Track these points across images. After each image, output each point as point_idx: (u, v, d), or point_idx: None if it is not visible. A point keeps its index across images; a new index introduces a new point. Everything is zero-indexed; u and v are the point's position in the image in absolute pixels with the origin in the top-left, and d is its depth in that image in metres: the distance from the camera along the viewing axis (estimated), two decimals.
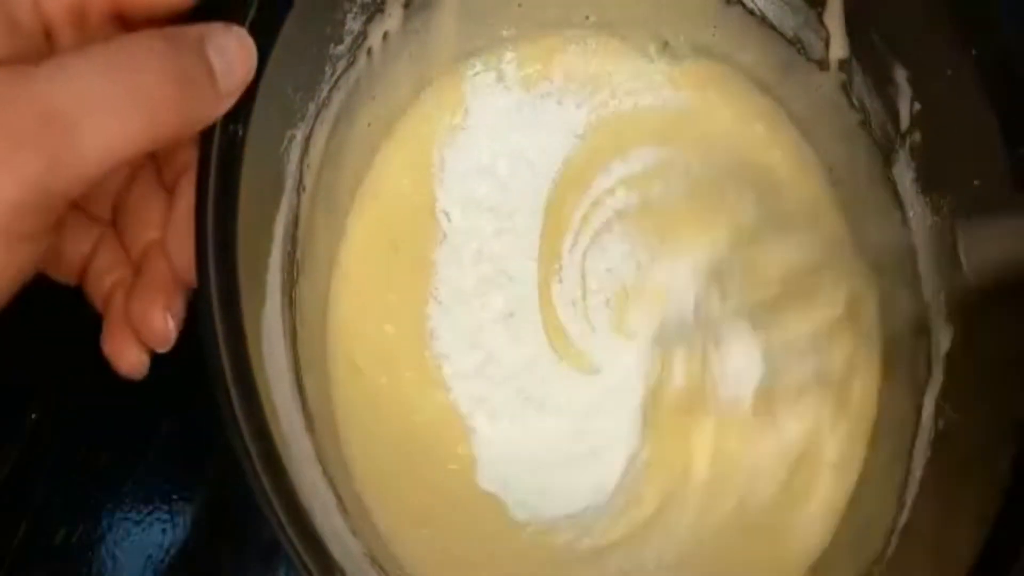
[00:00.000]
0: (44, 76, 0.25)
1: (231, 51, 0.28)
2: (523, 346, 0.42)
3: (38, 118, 0.24)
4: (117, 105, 0.25)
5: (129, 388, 0.32)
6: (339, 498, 0.36)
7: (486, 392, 0.41)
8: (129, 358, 0.30)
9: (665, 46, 0.44)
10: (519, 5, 0.43)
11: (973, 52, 0.33)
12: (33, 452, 0.42)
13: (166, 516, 0.42)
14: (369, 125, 0.41)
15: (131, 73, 0.25)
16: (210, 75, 0.27)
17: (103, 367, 0.31)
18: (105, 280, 0.31)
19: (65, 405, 0.42)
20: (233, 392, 0.28)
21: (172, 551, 0.42)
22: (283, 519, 0.27)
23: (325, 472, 0.37)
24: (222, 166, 0.28)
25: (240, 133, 0.29)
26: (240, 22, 0.28)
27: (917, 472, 0.37)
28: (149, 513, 0.42)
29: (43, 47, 0.26)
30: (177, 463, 0.42)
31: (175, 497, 0.43)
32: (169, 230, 0.30)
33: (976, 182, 0.35)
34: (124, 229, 0.31)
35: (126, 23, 0.27)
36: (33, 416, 0.42)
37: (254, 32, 0.28)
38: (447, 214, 0.43)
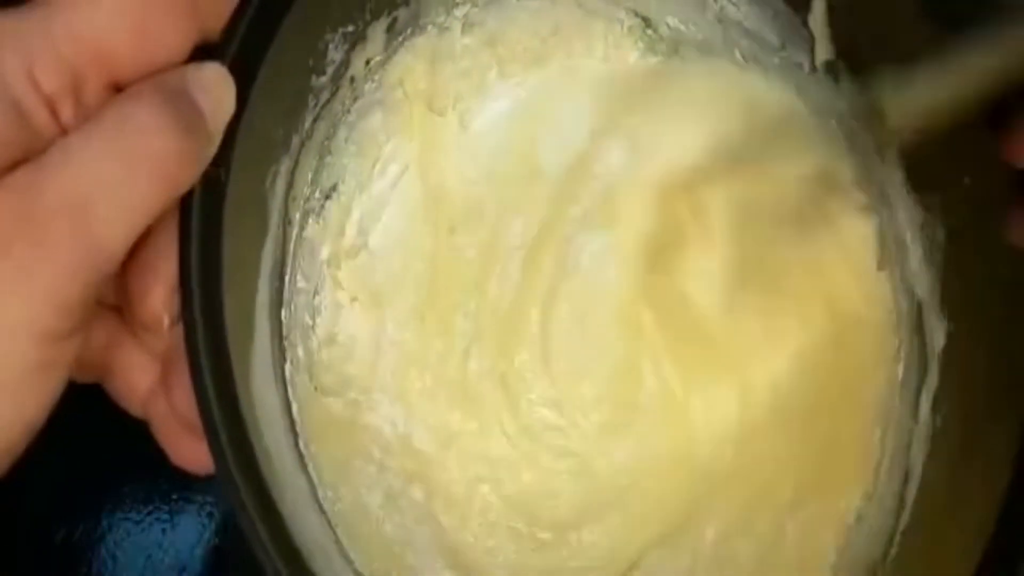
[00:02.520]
0: (57, 168, 0.24)
1: (214, 88, 0.27)
2: None
3: (63, 213, 0.24)
4: (132, 178, 0.25)
5: None
6: (337, 535, 0.36)
7: None
8: (203, 456, 0.28)
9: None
10: None
11: None
12: (33, 452, 0.41)
13: (166, 516, 0.42)
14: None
15: (140, 142, 0.25)
16: (202, 117, 0.27)
17: None
18: (136, 388, 0.30)
19: (65, 405, 0.41)
20: (224, 440, 0.27)
21: (172, 551, 0.42)
22: (277, 561, 0.27)
23: (321, 510, 0.36)
24: (204, 211, 0.28)
25: (223, 176, 0.28)
26: (220, 60, 0.28)
27: (916, 470, 0.36)
28: (149, 513, 0.42)
29: (52, 128, 0.26)
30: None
31: (175, 497, 0.43)
32: (132, 268, 0.28)
33: (967, 179, 0.34)
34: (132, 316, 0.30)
35: (120, 85, 0.27)
36: None
37: (234, 71, 0.28)
38: None
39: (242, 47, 0.28)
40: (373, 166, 0.40)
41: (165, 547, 0.42)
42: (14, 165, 0.25)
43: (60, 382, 0.26)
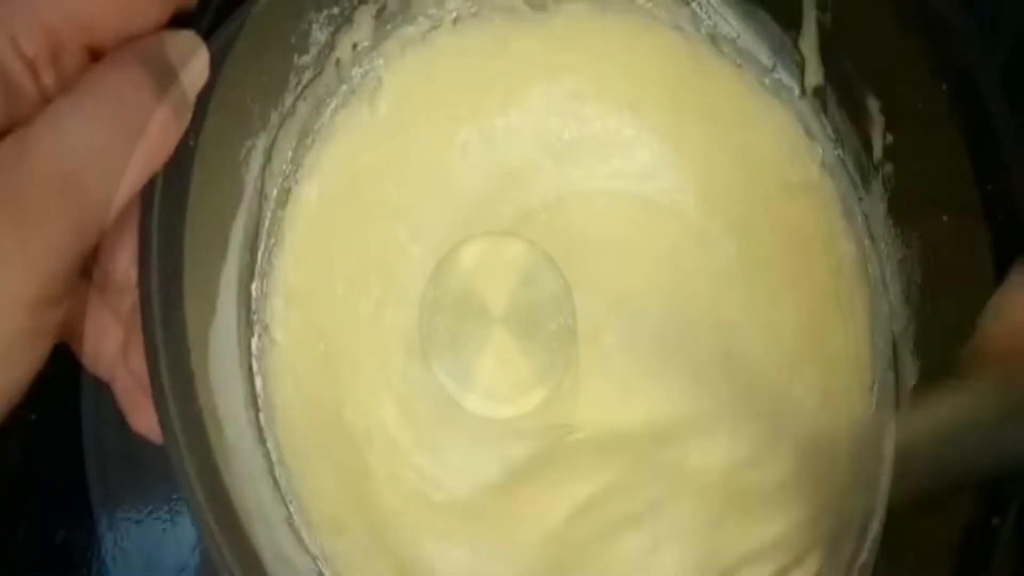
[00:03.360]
0: (44, 139, 0.25)
1: (188, 55, 0.28)
2: None
3: (51, 183, 0.24)
4: (118, 148, 0.25)
5: None
6: (290, 512, 0.36)
7: None
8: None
9: None
10: None
11: (944, 87, 0.33)
12: (33, 452, 0.42)
13: (166, 516, 0.42)
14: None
15: (125, 110, 0.26)
16: (181, 85, 0.27)
17: None
18: (103, 351, 0.31)
19: (65, 405, 0.41)
20: (172, 407, 0.27)
21: (172, 551, 0.42)
22: (216, 532, 0.27)
23: (277, 485, 0.36)
24: (169, 177, 0.28)
25: (191, 143, 0.29)
26: (194, 28, 0.28)
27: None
28: (149, 513, 0.42)
29: (34, 93, 0.26)
30: None
31: (175, 497, 0.42)
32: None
33: (945, 217, 0.34)
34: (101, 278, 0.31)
35: (97, 51, 0.27)
36: (33, 417, 0.41)
37: (207, 41, 0.28)
38: None
39: (217, 16, 0.28)
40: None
41: (165, 547, 0.42)
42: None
43: (46, 348, 0.26)
